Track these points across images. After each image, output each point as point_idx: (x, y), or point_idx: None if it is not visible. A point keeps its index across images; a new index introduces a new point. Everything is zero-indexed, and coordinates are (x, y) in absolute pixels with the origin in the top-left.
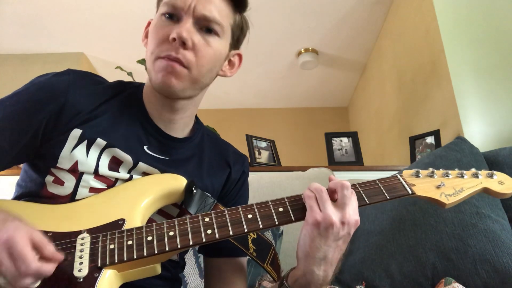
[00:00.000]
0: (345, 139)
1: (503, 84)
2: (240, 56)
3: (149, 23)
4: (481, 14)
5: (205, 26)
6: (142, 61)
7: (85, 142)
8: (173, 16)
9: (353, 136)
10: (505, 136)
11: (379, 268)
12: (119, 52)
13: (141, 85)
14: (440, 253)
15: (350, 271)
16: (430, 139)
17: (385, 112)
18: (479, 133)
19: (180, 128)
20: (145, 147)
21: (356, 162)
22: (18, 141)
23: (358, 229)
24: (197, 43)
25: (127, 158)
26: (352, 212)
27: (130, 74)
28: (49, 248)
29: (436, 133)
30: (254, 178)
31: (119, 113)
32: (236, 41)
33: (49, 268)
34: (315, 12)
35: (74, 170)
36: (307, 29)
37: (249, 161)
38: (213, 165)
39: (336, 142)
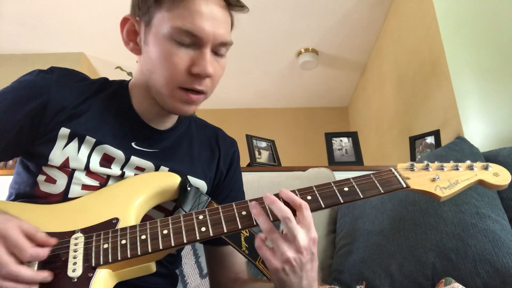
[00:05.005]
0: (345, 139)
1: (503, 84)
2: None
3: (125, 20)
4: (481, 14)
5: (219, 50)
6: None
7: (76, 139)
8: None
9: (353, 136)
10: (505, 136)
11: (379, 268)
12: (119, 52)
13: (124, 81)
14: (440, 253)
15: (350, 271)
16: (430, 139)
17: (385, 112)
18: (479, 133)
19: (169, 121)
20: (132, 143)
21: (356, 162)
22: (4, 137)
23: (358, 229)
24: (215, 71)
25: (118, 154)
26: (305, 236)
27: (130, 74)
28: (40, 234)
29: (436, 133)
30: (254, 178)
31: (105, 110)
32: None
33: (43, 252)
34: (315, 12)
35: (65, 167)
36: (307, 29)
37: (249, 161)
38: (203, 149)
39: (336, 142)
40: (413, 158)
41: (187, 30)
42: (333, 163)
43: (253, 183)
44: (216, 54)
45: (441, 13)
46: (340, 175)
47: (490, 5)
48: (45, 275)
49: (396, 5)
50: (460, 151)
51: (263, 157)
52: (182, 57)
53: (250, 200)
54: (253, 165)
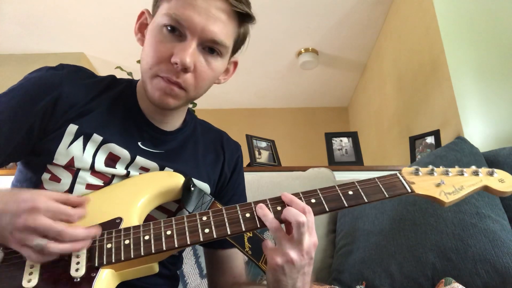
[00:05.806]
0: (345, 139)
1: (503, 84)
2: (236, 63)
3: (142, 13)
4: (481, 14)
5: (209, 47)
6: None
7: (82, 137)
8: (176, 30)
9: (353, 136)
10: (505, 136)
11: (379, 268)
12: (119, 52)
13: (133, 81)
14: (440, 253)
15: (350, 271)
16: (430, 139)
17: (385, 112)
18: (479, 133)
19: (173, 122)
20: (139, 143)
21: (356, 162)
22: (14, 137)
23: (358, 229)
24: (198, 66)
25: (124, 153)
26: (308, 240)
27: (130, 74)
28: (72, 196)
29: (436, 133)
30: (254, 178)
31: (113, 108)
32: (235, 51)
33: (83, 211)
34: (315, 12)
35: (70, 166)
36: (307, 29)
37: (249, 161)
38: (208, 151)
39: (336, 142)
40: (413, 158)
41: (176, 18)
42: (333, 163)
43: (253, 183)
44: (209, 53)
45: (441, 13)
46: (340, 175)
47: (490, 5)
48: (96, 231)
49: (396, 5)
50: (460, 151)
51: (263, 157)
52: (166, 45)
53: (254, 203)
54: (253, 165)
